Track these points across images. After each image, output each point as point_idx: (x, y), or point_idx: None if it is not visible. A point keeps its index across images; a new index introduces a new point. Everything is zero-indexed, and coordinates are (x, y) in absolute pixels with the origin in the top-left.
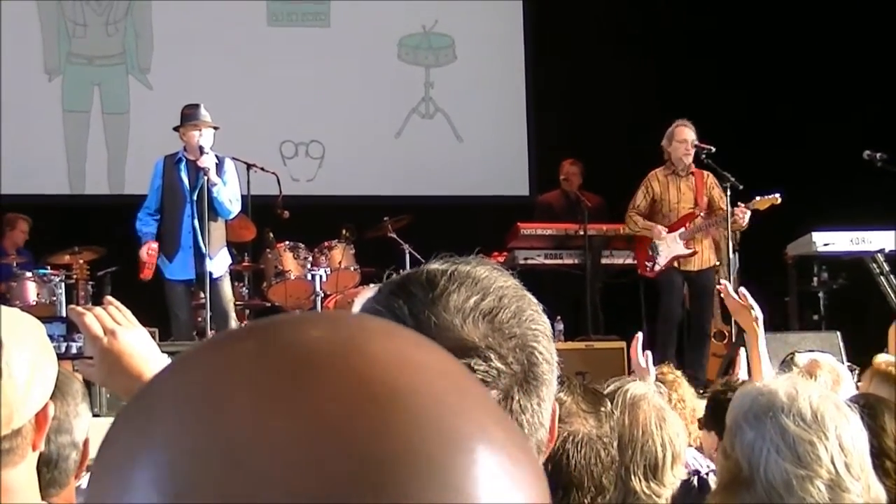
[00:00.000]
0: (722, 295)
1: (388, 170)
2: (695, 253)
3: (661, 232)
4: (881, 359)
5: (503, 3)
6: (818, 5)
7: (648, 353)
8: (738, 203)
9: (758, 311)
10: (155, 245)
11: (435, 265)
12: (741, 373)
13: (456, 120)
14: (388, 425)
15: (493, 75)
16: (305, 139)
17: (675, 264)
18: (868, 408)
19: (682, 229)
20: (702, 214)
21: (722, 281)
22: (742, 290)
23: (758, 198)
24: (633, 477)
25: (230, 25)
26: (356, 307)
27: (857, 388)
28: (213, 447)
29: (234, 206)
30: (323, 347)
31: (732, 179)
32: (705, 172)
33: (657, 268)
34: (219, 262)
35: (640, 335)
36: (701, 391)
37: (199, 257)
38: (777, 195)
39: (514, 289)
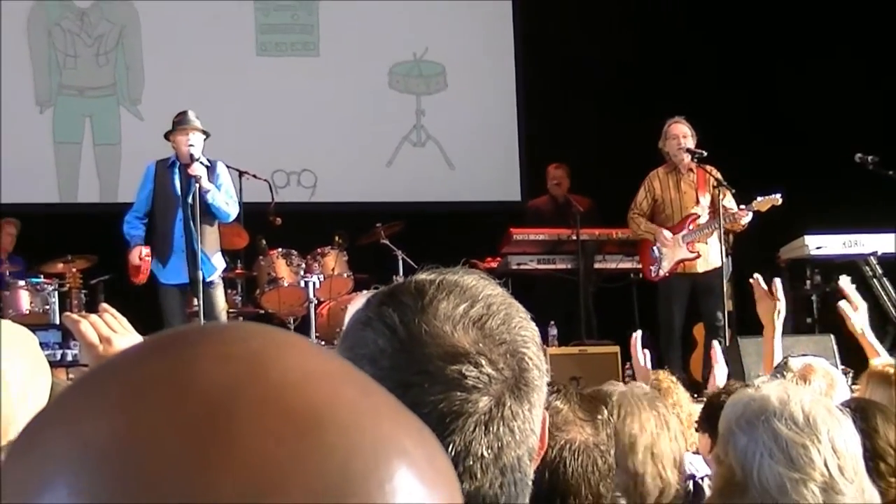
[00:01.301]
0: (752, 284)
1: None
2: (699, 255)
3: (666, 237)
4: (877, 362)
5: (494, 30)
6: (808, 9)
7: (647, 351)
8: (740, 205)
9: (782, 305)
10: (147, 250)
11: (423, 275)
12: (718, 370)
13: (447, 147)
14: (306, 450)
15: (484, 102)
16: (297, 168)
17: (680, 268)
18: (860, 411)
19: (685, 231)
20: (702, 214)
21: (756, 275)
22: (776, 281)
23: (758, 198)
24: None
25: (220, 56)
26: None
27: (852, 391)
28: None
29: (231, 209)
30: (236, 384)
31: (725, 184)
32: (708, 168)
33: (662, 272)
34: (215, 264)
35: (638, 334)
36: (696, 396)
37: (193, 261)
38: (778, 196)
39: (501, 296)
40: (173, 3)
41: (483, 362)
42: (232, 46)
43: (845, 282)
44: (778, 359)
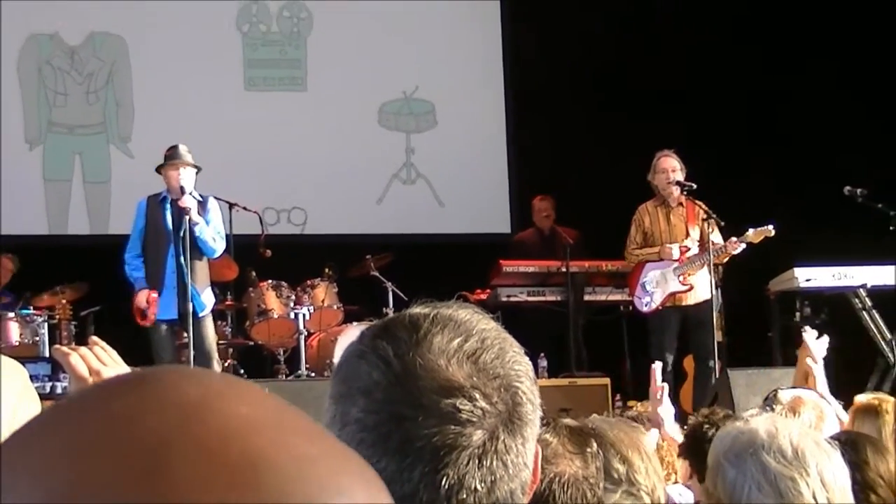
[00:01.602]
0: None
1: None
2: (690, 288)
3: (671, 250)
4: (861, 397)
5: (483, 67)
6: (800, 44)
7: (665, 385)
8: (731, 237)
9: (815, 367)
10: (154, 294)
11: (417, 309)
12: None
13: (437, 185)
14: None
15: (474, 138)
16: (287, 206)
17: (671, 301)
18: (850, 443)
19: (677, 264)
20: (691, 247)
21: (806, 328)
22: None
23: (751, 230)
24: None
25: (209, 91)
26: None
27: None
28: None
29: (217, 245)
30: (175, 432)
31: (715, 217)
32: (697, 203)
33: (653, 305)
34: (204, 301)
35: (658, 365)
36: (685, 427)
37: (183, 296)
38: (770, 227)
39: (495, 331)
40: (163, 39)
41: (477, 396)
42: (220, 81)
43: (810, 336)
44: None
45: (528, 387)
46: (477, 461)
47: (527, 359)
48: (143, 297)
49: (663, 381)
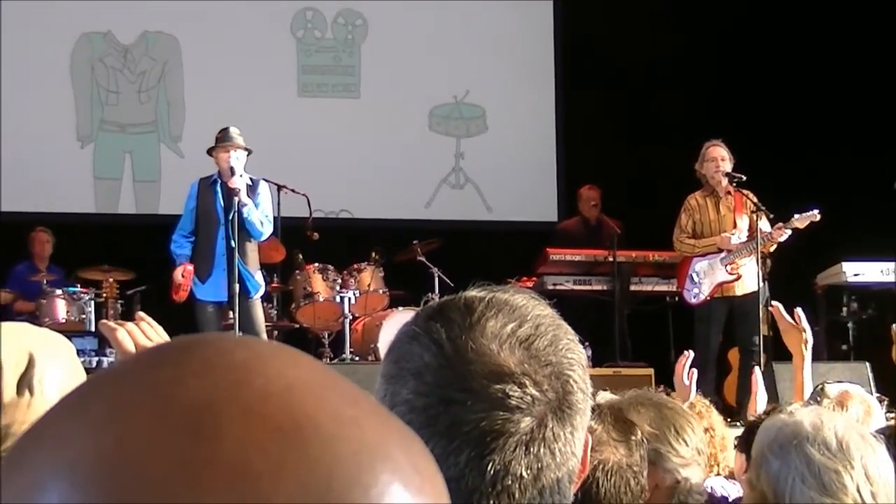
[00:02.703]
0: (773, 314)
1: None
2: (738, 278)
3: (728, 239)
4: None
5: (534, 72)
6: (861, 34)
7: (694, 371)
8: (777, 223)
9: (808, 335)
10: (191, 267)
11: (473, 292)
12: (759, 397)
13: (486, 190)
14: (288, 461)
15: (524, 145)
16: (336, 208)
17: (719, 291)
18: (894, 438)
19: (725, 253)
20: (740, 237)
21: (774, 302)
22: (798, 311)
23: (796, 216)
24: None
25: (261, 95)
26: (384, 330)
27: (887, 419)
28: None
29: (265, 228)
30: (219, 395)
31: (763, 208)
32: (745, 191)
33: (702, 296)
34: (257, 282)
35: (689, 353)
36: (728, 420)
37: (232, 279)
38: (815, 211)
39: (550, 318)
40: (216, 41)
41: (527, 383)
42: (274, 86)
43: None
44: (808, 388)
45: (580, 375)
46: (524, 448)
47: (581, 347)
48: (179, 272)
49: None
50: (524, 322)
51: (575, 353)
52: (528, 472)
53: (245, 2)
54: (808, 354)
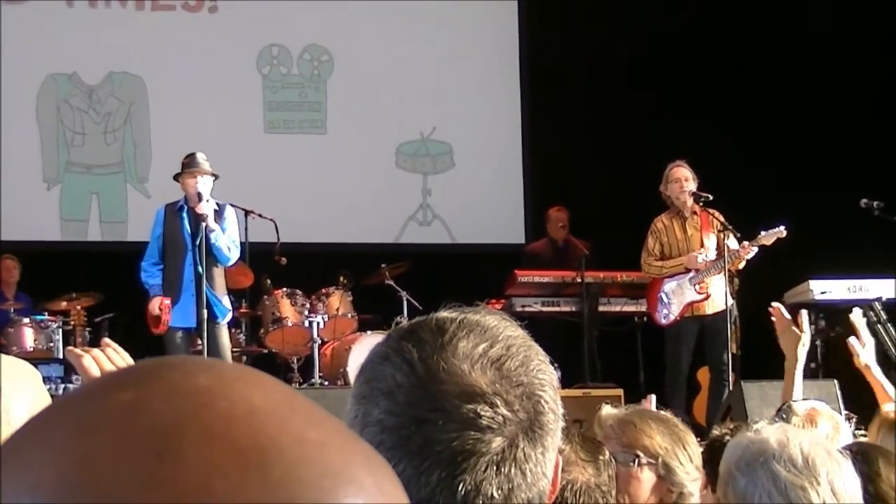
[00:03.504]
0: (773, 314)
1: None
2: (708, 297)
3: (695, 258)
4: (889, 408)
5: (501, 108)
6: (823, 53)
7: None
8: (743, 241)
9: (806, 338)
10: (168, 301)
11: (445, 313)
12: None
13: (453, 226)
14: (250, 485)
15: (491, 180)
16: (304, 240)
17: (689, 311)
18: (861, 454)
19: (693, 273)
20: (707, 256)
21: (775, 303)
22: (802, 312)
23: (763, 233)
24: None
25: (228, 133)
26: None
27: (855, 436)
28: None
29: (232, 253)
30: (182, 418)
31: (730, 227)
32: (711, 210)
33: (672, 317)
34: (224, 307)
35: (652, 398)
36: (699, 439)
37: (200, 304)
38: (782, 228)
39: (521, 338)
40: (182, 80)
41: (499, 403)
42: (240, 123)
43: (857, 315)
44: (798, 392)
45: (551, 396)
46: (495, 468)
47: (552, 368)
48: (156, 304)
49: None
50: (496, 342)
51: (546, 374)
52: (499, 492)
53: (211, 40)
54: (801, 358)
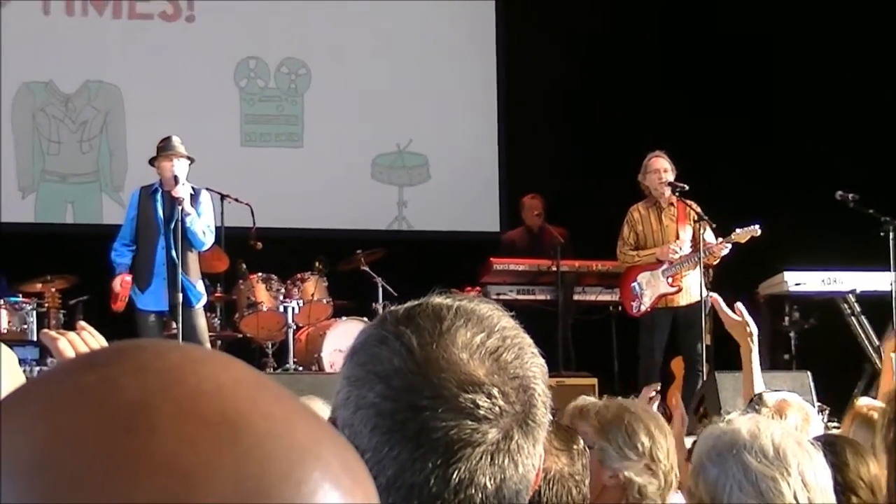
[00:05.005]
0: (715, 308)
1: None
2: (680, 290)
3: (668, 250)
4: (863, 402)
5: (478, 122)
6: (797, 46)
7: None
8: (717, 238)
9: (753, 327)
10: (129, 277)
11: (438, 299)
12: (676, 417)
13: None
14: (221, 457)
15: (467, 193)
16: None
17: (662, 302)
18: (830, 445)
19: (666, 265)
20: (683, 248)
21: (712, 294)
22: (738, 305)
23: (737, 230)
24: None
25: (204, 145)
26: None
27: (827, 427)
28: None
29: (207, 238)
30: (153, 393)
31: (706, 218)
32: (688, 202)
33: (643, 308)
34: (198, 292)
35: (657, 387)
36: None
37: (174, 288)
38: (756, 227)
39: (514, 329)
40: (159, 89)
41: (496, 394)
42: (217, 136)
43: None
44: (758, 380)
45: (543, 389)
46: (489, 458)
47: (542, 361)
48: (117, 281)
49: (651, 380)
50: (492, 334)
51: (538, 367)
52: (492, 482)
53: (188, 51)
54: (755, 347)
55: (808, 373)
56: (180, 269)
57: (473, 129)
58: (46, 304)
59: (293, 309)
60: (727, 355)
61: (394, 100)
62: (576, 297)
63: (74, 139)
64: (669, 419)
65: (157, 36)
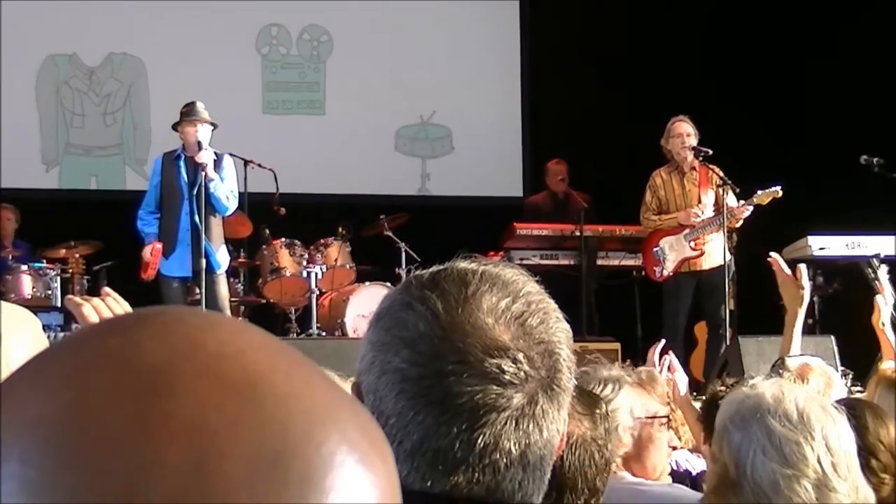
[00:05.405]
0: (773, 266)
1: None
2: (702, 253)
3: (690, 214)
4: (888, 366)
5: (501, 93)
6: (813, 8)
7: (667, 358)
8: (740, 201)
9: (807, 292)
10: (160, 246)
11: (464, 264)
12: (678, 378)
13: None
14: (245, 417)
15: (490, 165)
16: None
17: (685, 267)
18: (850, 408)
19: (688, 230)
20: (705, 212)
21: (772, 254)
22: (801, 266)
23: (759, 192)
24: None
25: (226, 114)
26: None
27: (850, 392)
28: (75, 475)
29: (230, 203)
30: (175, 356)
31: (730, 182)
32: (711, 166)
33: (666, 272)
34: (220, 259)
35: (661, 341)
36: (695, 394)
37: (197, 254)
38: (778, 188)
39: (539, 294)
40: (182, 60)
41: (521, 359)
42: (238, 104)
43: (883, 272)
44: (796, 347)
45: (568, 354)
46: (514, 423)
47: (567, 326)
48: (148, 250)
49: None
50: (517, 298)
51: (563, 332)
52: (517, 447)
53: (210, 20)
54: (801, 312)
55: (832, 337)
56: (203, 235)
57: (496, 98)
58: (70, 270)
59: (316, 274)
60: (750, 320)
61: (417, 70)
62: (599, 262)
63: (98, 112)
64: (692, 382)
65: (179, 6)
